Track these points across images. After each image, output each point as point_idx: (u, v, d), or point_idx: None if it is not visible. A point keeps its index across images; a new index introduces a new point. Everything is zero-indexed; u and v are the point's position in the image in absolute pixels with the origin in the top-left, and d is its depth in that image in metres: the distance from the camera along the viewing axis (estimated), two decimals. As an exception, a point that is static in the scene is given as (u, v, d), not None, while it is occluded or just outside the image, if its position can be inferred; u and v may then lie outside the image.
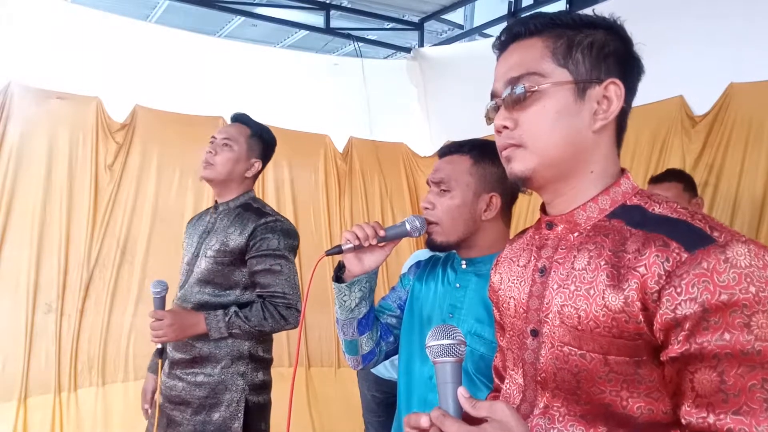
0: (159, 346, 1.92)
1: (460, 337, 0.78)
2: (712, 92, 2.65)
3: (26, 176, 3.20)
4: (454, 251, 1.44)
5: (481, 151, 1.40)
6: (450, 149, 1.43)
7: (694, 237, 0.71)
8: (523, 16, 0.86)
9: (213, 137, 2.06)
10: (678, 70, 2.71)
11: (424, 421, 0.76)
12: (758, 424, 0.66)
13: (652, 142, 2.86)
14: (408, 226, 1.33)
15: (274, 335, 2.08)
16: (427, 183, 1.42)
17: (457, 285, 1.39)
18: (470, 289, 1.36)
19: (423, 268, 1.53)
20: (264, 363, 2.03)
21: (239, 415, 1.90)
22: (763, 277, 0.67)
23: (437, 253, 1.51)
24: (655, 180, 2.37)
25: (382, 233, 1.31)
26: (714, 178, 2.64)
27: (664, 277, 0.71)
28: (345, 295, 1.38)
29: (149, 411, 2.10)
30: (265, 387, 2.03)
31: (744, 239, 0.70)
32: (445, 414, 0.74)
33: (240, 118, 2.12)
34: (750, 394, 0.66)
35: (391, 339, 1.52)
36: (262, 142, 2.10)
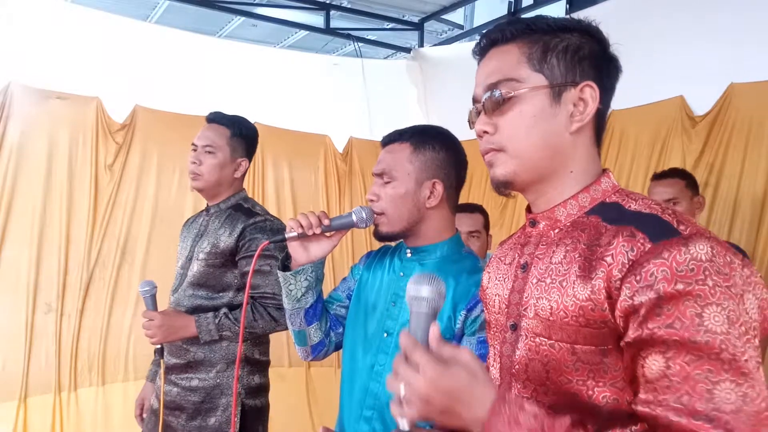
0: (158, 346, 1.91)
1: (442, 291, 0.78)
2: (712, 92, 2.65)
3: (26, 176, 3.20)
4: (402, 241, 1.45)
5: (421, 137, 1.39)
6: (391, 138, 1.42)
7: (660, 229, 0.73)
8: (500, 22, 0.88)
9: (194, 144, 1.99)
10: (678, 70, 2.71)
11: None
12: (696, 414, 0.66)
13: (652, 142, 2.86)
14: (354, 217, 1.33)
15: (272, 335, 2.07)
16: (373, 175, 1.42)
17: (401, 274, 1.41)
18: None
19: (372, 258, 1.54)
20: (260, 366, 2.01)
21: (235, 419, 1.89)
22: (721, 273, 0.68)
23: (388, 243, 1.52)
24: (658, 177, 2.37)
25: (326, 222, 1.31)
26: (714, 178, 2.64)
27: (627, 266, 0.73)
28: (290, 284, 1.37)
29: (144, 418, 2.08)
30: (261, 390, 2.01)
31: (709, 236, 0.72)
32: (416, 342, 0.74)
33: (215, 119, 2.04)
34: (693, 383, 0.67)
35: (341, 330, 1.51)
36: (244, 139, 2.03)
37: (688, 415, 0.66)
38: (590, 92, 0.84)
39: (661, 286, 0.69)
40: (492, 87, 0.85)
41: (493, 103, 0.85)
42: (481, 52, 0.91)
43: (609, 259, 0.75)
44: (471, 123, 0.93)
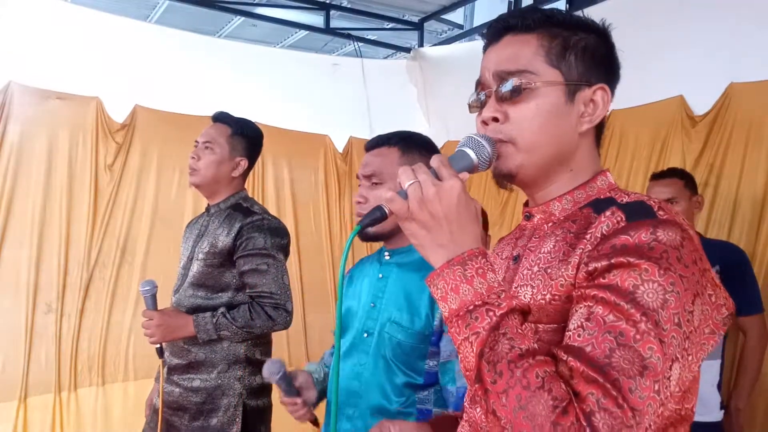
0: (157, 345, 1.91)
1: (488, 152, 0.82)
2: (712, 92, 2.65)
3: (26, 176, 3.20)
4: (384, 245, 1.50)
5: (408, 142, 1.45)
6: (377, 142, 1.47)
7: (639, 211, 0.75)
8: (518, 8, 0.86)
9: (196, 141, 2.03)
10: (678, 70, 2.71)
11: None
12: (592, 362, 0.65)
13: (652, 142, 2.86)
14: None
15: (274, 335, 2.07)
16: (357, 177, 1.46)
17: (380, 276, 1.46)
18: (391, 279, 1.43)
19: (354, 269, 1.60)
20: (262, 366, 2.02)
21: (237, 419, 1.89)
22: (681, 262, 0.68)
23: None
24: (657, 176, 2.37)
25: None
26: (714, 178, 2.64)
27: (599, 239, 0.74)
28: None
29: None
30: (264, 390, 2.00)
31: (685, 228, 0.72)
32: (450, 167, 0.78)
33: (219, 118, 2.07)
34: (601, 339, 0.66)
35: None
36: (245, 139, 2.05)
37: (585, 361, 0.65)
38: (602, 95, 0.85)
39: (616, 258, 0.70)
40: (507, 75, 0.84)
41: (507, 92, 0.83)
42: (494, 35, 0.89)
43: (588, 236, 0.76)
44: (471, 107, 0.91)
